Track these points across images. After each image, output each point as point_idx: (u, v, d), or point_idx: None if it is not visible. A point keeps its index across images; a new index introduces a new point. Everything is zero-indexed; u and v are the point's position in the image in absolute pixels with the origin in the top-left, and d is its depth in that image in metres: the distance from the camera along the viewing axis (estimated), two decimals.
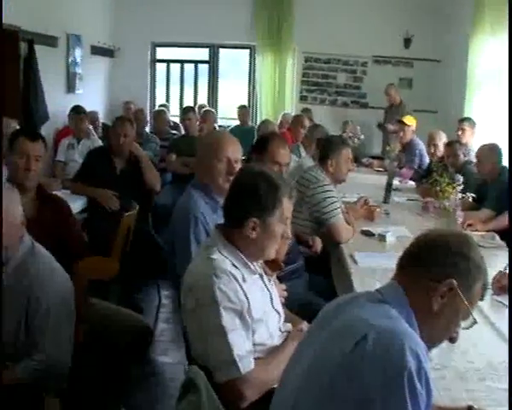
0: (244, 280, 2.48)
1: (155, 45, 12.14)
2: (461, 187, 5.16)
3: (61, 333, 2.81)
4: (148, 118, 9.65)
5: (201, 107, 10.79)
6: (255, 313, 2.46)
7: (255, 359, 2.45)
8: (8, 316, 2.78)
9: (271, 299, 2.70)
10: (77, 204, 5.40)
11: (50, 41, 8.81)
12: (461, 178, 5.36)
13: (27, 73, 8.00)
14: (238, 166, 3.41)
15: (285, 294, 3.10)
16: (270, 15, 11.36)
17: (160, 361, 4.87)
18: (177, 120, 10.64)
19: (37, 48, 8.17)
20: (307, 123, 8.10)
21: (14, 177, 3.64)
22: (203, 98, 12.12)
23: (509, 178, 5.21)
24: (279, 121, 9.79)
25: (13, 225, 2.80)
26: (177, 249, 3.31)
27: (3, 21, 7.21)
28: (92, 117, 8.53)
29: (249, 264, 2.57)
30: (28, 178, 3.63)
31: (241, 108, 10.65)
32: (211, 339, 2.39)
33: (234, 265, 2.50)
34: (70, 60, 9.58)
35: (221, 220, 2.75)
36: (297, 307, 3.14)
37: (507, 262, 3.66)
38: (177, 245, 3.33)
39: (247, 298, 2.43)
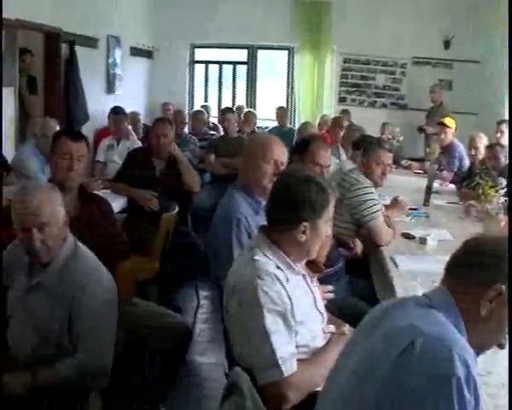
0: (287, 281, 2.47)
1: (194, 47, 12.17)
2: (504, 190, 5.08)
3: (104, 333, 2.82)
4: (187, 119, 9.66)
5: (239, 108, 10.80)
6: (298, 314, 2.45)
7: (298, 360, 2.43)
8: (51, 316, 2.81)
9: (314, 300, 2.68)
10: (117, 204, 5.42)
11: (91, 42, 8.89)
12: (504, 182, 5.28)
13: (68, 74, 8.08)
14: (283, 169, 3.41)
15: (331, 295, 3.08)
16: (309, 16, 11.33)
17: (198, 362, 4.87)
18: (215, 120, 10.68)
19: (78, 49, 8.26)
20: (346, 124, 8.06)
21: (57, 177, 3.66)
22: (241, 99, 12.13)
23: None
24: (317, 123, 9.75)
25: (56, 226, 2.82)
26: (219, 251, 3.31)
27: (46, 23, 7.33)
28: (133, 117, 8.58)
29: (292, 265, 2.56)
30: (70, 179, 3.64)
31: (280, 110, 10.62)
32: (254, 341, 2.38)
33: (277, 266, 2.49)
34: (110, 61, 9.65)
35: (263, 221, 2.74)
36: (337, 310, 3.12)
37: None
38: (218, 246, 3.33)
39: (291, 300, 2.42)
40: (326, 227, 2.60)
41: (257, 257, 2.48)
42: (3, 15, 6.29)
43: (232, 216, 3.29)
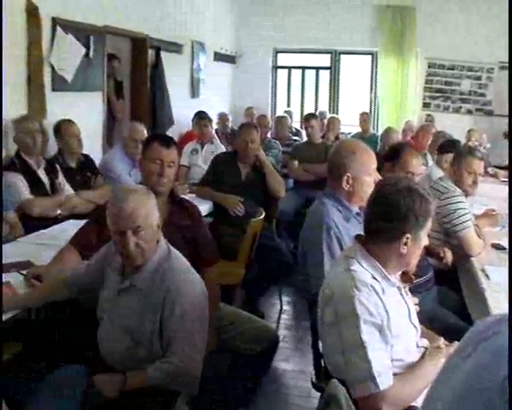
0: (383, 293, 2.43)
1: (277, 52, 12.22)
2: None
3: (195, 338, 2.82)
4: (271, 124, 9.67)
5: (322, 113, 10.75)
6: (394, 327, 2.40)
7: (393, 374, 2.38)
8: (143, 319, 2.83)
9: (409, 312, 2.62)
10: (202, 208, 5.45)
11: (176, 48, 9.02)
12: None
13: (154, 79, 8.21)
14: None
15: (417, 308, 3.01)
16: (393, 21, 11.21)
17: (281, 369, 4.83)
18: (297, 125, 10.65)
19: (164, 55, 8.39)
20: (433, 131, 7.91)
21: (147, 182, 3.68)
22: (324, 105, 12.09)
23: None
24: (402, 129, 9.61)
25: (151, 229, 2.85)
26: (309, 257, 3.28)
27: (133, 29, 7.47)
28: (222, 118, 8.71)
29: (388, 276, 2.50)
30: (161, 184, 3.64)
31: (363, 115, 10.51)
32: (349, 353, 2.34)
33: (374, 277, 2.44)
34: (194, 66, 9.78)
35: (354, 229, 2.70)
36: (426, 322, 3.04)
37: None
38: (308, 253, 3.30)
39: (387, 312, 2.37)
40: (425, 238, 2.54)
41: (353, 267, 2.44)
42: (92, 22, 6.48)
43: (322, 222, 3.24)
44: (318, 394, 3.22)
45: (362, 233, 2.62)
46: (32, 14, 5.63)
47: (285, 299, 6.01)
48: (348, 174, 3.35)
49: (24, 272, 3.55)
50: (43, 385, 2.65)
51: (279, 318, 5.69)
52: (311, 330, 3.44)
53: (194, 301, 2.83)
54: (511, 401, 1.81)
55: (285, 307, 5.93)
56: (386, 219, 2.49)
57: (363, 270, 2.44)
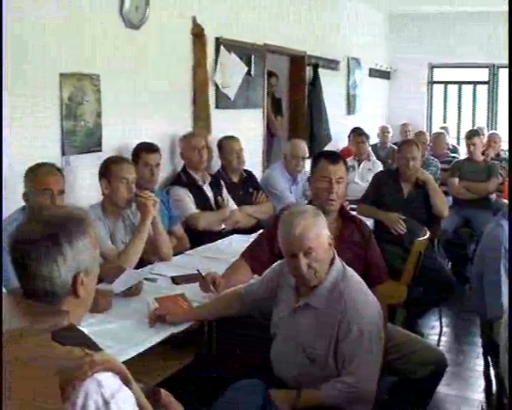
0: None
1: (432, 67, 11.97)
2: None
3: (372, 358, 2.79)
4: (429, 140, 9.48)
5: (480, 129, 10.41)
6: None
7: None
8: (318, 337, 2.83)
9: None
10: None
11: (332, 65, 9.06)
12: None
13: (312, 95, 8.28)
14: None
15: None
16: None
17: (441, 392, 4.68)
18: (454, 142, 10.39)
19: (321, 71, 8.45)
20: None
21: (317, 199, 3.67)
22: (481, 120, 11.70)
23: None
24: None
25: (322, 249, 2.85)
26: (486, 280, 3.18)
27: (291, 47, 7.59)
28: (384, 130, 8.77)
29: None
30: (330, 201, 3.60)
31: None
32: None
33: None
34: (350, 82, 9.78)
35: None
36: None
37: None
38: (485, 276, 3.20)
39: None
40: None
41: None
42: (253, 40, 6.63)
43: (501, 245, 3.14)
44: None
45: None
46: (199, 35, 5.83)
47: (445, 320, 5.84)
48: None
49: (203, 273, 3.64)
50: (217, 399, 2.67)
51: (439, 340, 5.52)
52: (483, 355, 3.32)
53: (372, 322, 2.81)
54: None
55: (445, 329, 5.76)
56: None
57: None
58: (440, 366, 3.61)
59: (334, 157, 3.82)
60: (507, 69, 11.35)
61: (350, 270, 2.95)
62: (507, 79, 11.35)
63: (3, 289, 2.52)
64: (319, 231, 2.87)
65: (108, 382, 1.64)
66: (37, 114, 4.25)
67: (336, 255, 2.96)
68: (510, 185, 4.73)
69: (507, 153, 9.61)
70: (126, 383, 1.72)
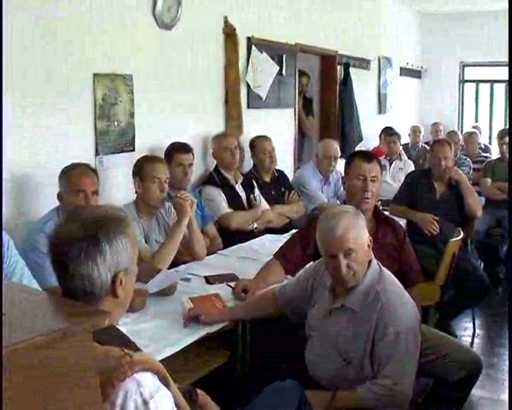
0: None
1: (464, 65, 11.86)
2: None
3: (409, 360, 2.77)
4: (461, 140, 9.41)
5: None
6: None
7: None
8: (354, 339, 2.82)
9: None
10: None
11: (363, 64, 9.03)
12: None
13: (343, 95, 8.25)
14: None
15: None
16: None
17: (475, 395, 4.63)
18: (486, 141, 10.29)
19: (352, 70, 8.41)
20: None
21: (352, 199, 3.66)
22: None
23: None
24: None
25: (362, 251, 2.85)
26: None
27: (322, 46, 7.57)
28: (415, 129, 8.76)
29: None
30: (365, 200, 3.60)
31: None
32: None
33: None
34: (381, 82, 9.73)
35: None
36: None
37: None
38: None
39: None
40: None
41: None
42: (285, 40, 6.62)
43: None
44: None
45: None
46: (230, 35, 5.84)
47: (478, 322, 5.78)
48: None
49: (232, 284, 3.65)
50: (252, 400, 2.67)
51: (472, 341, 5.47)
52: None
53: (409, 324, 2.79)
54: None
55: (478, 331, 5.69)
56: None
57: None
58: (475, 368, 3.57)
59: (369, 156, 3.83)
60: None
61: (386, 271, 2.94)
62: None
63: (39, 288, 2.53)
64: (359, 232, 2.86)
65: (147, 382, 1.65)
66: (71, 114, 4.28)
67: (373, 257, 2.94)
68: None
69: None
70: (165, 383, 1.73)
